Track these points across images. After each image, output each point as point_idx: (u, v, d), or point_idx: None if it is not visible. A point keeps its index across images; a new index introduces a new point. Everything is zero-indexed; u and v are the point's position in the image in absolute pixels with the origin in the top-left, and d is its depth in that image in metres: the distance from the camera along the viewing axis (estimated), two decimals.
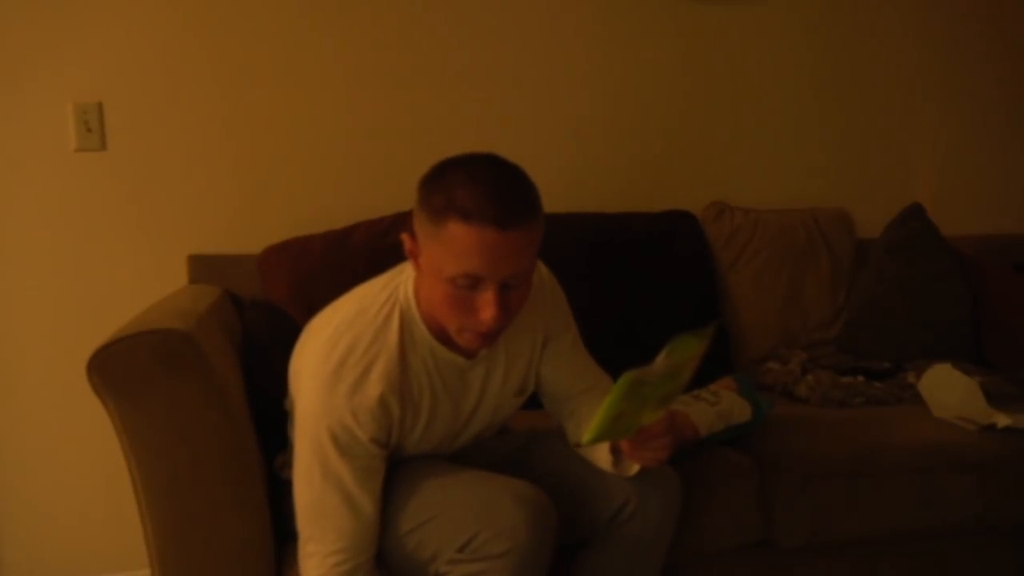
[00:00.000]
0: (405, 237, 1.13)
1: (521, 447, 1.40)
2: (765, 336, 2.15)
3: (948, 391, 1.81)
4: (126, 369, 1.13)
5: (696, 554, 1.53)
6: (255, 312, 1.60)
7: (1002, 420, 1.68)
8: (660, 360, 1.07)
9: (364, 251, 1.80)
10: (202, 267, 1.84)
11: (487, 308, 1.06)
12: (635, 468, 1.25)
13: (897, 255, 2.18)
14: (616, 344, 1.88)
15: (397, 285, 1.21)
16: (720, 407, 1.62)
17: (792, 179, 2.34)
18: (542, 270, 1.33)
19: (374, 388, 1.14)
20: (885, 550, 1.68)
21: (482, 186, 1.04)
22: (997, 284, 2.18)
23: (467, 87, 2.05)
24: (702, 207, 2.21)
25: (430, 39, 2.03)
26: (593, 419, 1.10)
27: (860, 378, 1.98)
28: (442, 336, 1.19)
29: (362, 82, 1.99)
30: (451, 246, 1.04)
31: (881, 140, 2.40)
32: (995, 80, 2.46)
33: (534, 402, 1.46)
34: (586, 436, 1.12)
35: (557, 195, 2.05)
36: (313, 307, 1.33)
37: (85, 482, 1.87)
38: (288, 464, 1.38)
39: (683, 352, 1.09)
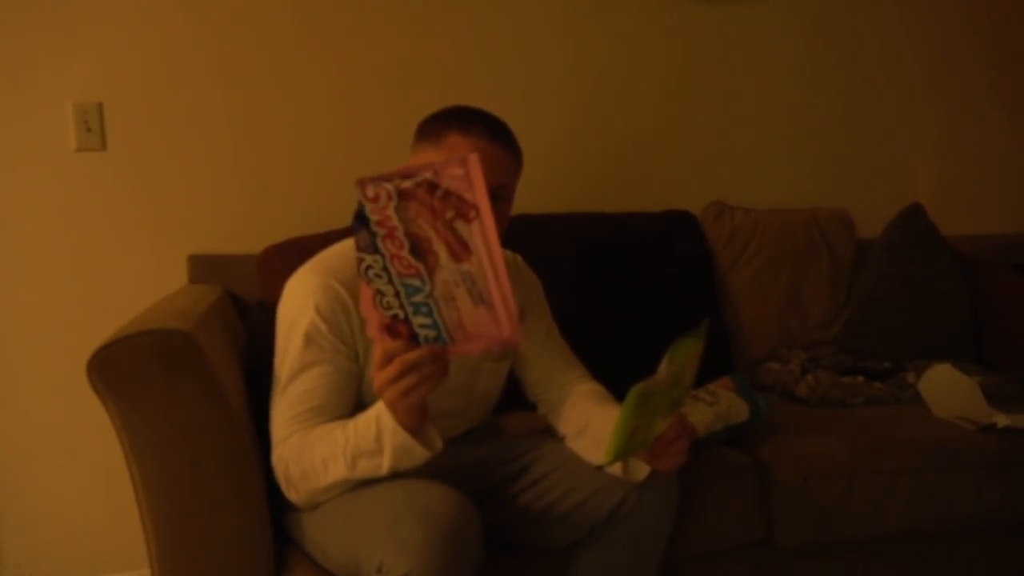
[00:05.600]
0: None
1: (517, 448, 1.40)
2: (765, 336, 2.15)
3: (948, 391, 1.82)
4: (126, 369, 1.13)
5: (696, 554, 1.53)
6: (264, 315, 1.59)
7: (1002, 420, 1.68)
8: (663, 368, 1.08)
9: None
10: (202, 267, 1.84)
11: None
12: (644, 472, 1.25)
13: (897, 255, 2.18)
14: (616, 344, 1.89)
15: None
16: (718, 407, 1.63)
17: (792, 179, 2.34)
18: (519, 260, 1.46)
19: (341, 287, 1.22)
20: (884, 550, 1.68)
21: (477, 113, 1.23)
22: (997, 284, 2.18)
23: (467, 88, 2.05)
24: (702, 207, 2.21)
25: (430, 40, 2.03)
26: (608, 440, 1.10)
27: (860, 378, 1.97)
28: None
29: (361, 82, 1.99)
30: (449, 154, 1.16)
31: (881, 140, 2.40)
32: (994, 80, 2.46)
33: (531, 404, 1.47)
34: (604, 457, 1.11)
35: (557, 195, 2.08)
36: None
37: (85, 482, 1.87)
38: None
39: (683, 356, 1.10)
